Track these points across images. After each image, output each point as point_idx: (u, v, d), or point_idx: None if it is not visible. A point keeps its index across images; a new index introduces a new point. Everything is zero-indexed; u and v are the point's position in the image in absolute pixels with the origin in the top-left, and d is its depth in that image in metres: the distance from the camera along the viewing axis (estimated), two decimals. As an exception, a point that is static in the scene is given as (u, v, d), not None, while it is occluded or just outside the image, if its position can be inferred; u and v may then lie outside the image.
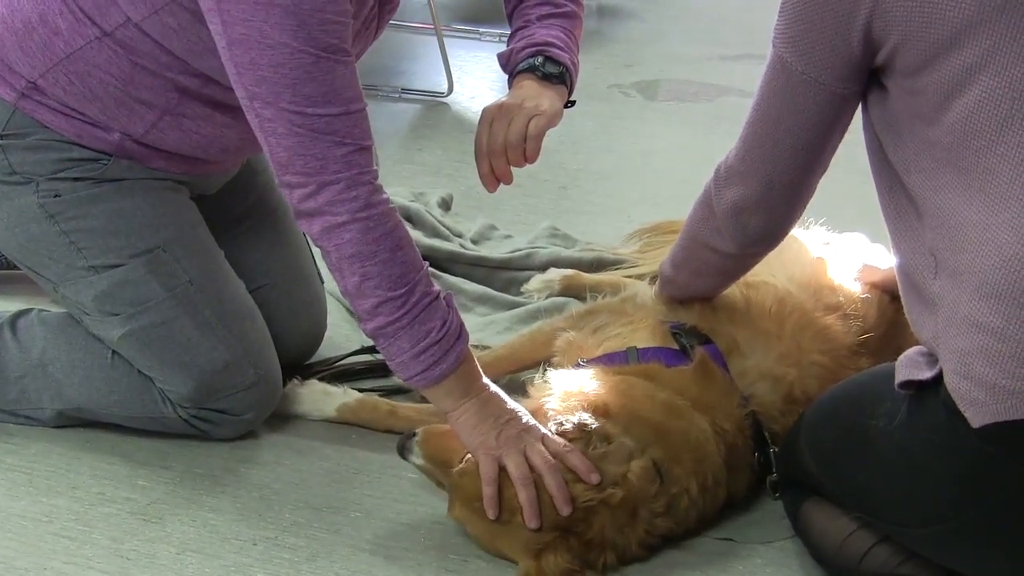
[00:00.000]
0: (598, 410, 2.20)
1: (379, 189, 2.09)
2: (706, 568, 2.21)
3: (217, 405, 2.39)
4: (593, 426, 2.15)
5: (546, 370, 2.39)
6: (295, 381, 2.59)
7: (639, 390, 2.25)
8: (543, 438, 2.13)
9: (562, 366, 2.40)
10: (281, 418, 2.52)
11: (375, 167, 2.09)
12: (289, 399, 2.55)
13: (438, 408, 2.20)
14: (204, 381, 2.36)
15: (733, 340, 2.36)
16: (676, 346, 2.36)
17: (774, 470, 2.30)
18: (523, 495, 2.07)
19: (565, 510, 2.07)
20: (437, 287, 2.14)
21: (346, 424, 2.55)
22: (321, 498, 2.32)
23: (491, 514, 2.08)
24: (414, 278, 2.09)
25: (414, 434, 2.22)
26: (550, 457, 2.09)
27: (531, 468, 2.09)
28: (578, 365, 2.36)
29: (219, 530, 2.22)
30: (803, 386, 2.32)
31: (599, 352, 2.39)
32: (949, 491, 1.84)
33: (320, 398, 2.58)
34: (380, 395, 2.61)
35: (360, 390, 2.61)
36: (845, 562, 2.10)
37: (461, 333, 2.15)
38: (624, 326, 2.46)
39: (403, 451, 2.22)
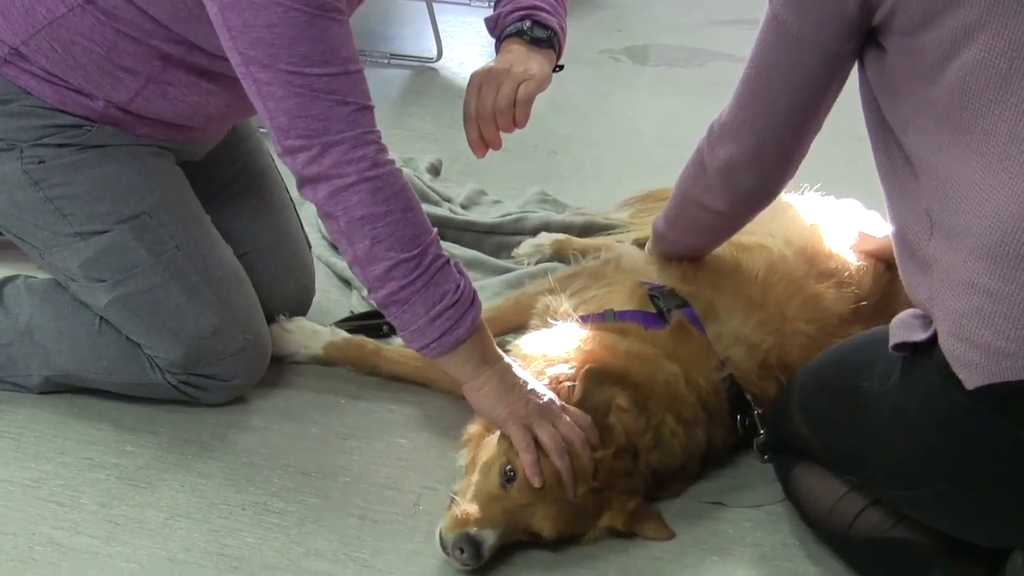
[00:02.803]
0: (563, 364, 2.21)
1: (384, 149, 2.05)
2: (695, 531, 2.20)
3: (206, 371, 2.37)
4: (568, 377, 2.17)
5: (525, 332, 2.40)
6: (282, 319, 2.59)
7: (605, 341, 2.26)
8: (563, 408, 2.12)
9: (539, 329, 2.41)
10: (270, 384, 2.51)
11: (378, 128, 2.05)
12: (276, 338, 2.53)
13: (455, 378, 2.17)
14: (192, 347, 2.34)
15: (711, 304, 2.36)
16: (653, 309, 2.36)
17: (760, 432, 2.30)
18: (563, 464, 2.06)
19: (591, 481, 2.08)
20: (446, 252, 2.10)
21: (332, 364, 2.57)
22: (310, 463, 2.31)
23: (536, 481, 2.05)
24: (426, 240, 2.06)
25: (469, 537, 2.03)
26: (578, 429, 2.09)
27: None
28: (551, 326, 2.37)
29: (208, 495, 2.21)
30: (781, 354, 2.32)
31: (576, 315, 2.38)
32: (942, 453, 1.82)
33: (308, 336, 2.58)
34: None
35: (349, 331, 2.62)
36: (836, 525, 2.09)
37: (475, 298, 2.12)
38: (601, 288, 2.46)
39: (472, 546, 2.05)
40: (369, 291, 2.09)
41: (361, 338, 2.60)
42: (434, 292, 2.04)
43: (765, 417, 2.31)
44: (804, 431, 2.15)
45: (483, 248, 3.11)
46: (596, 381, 2.17)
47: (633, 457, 2.15)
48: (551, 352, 2.26)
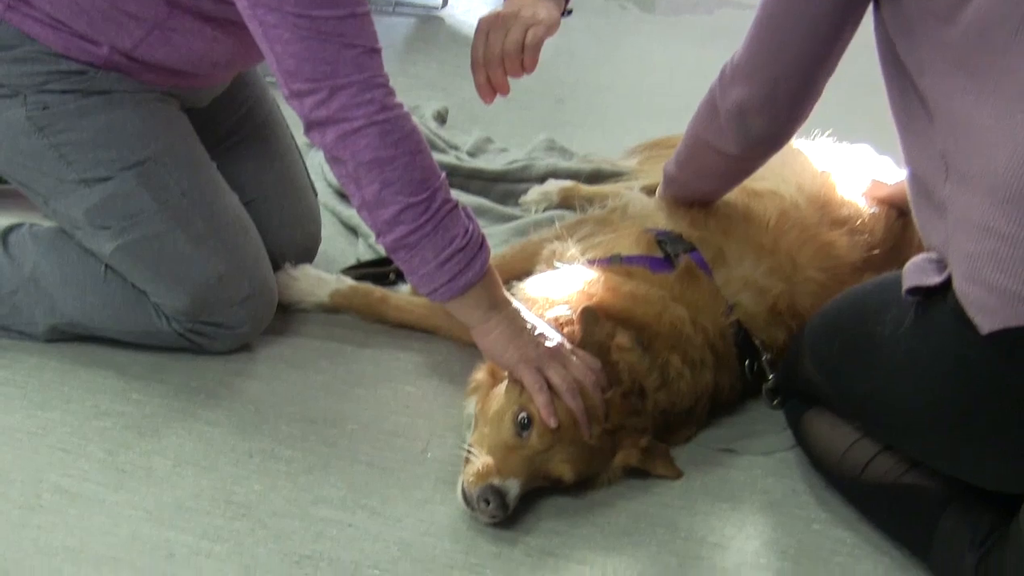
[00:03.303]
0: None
1: (393, 93, 2.02)
2: (705, 478, 2.20)
3: (212, 319, 2.36)
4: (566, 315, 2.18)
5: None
6: (287, 266, 2.57)
7: (609, 282, 2.25)
8: (573, 351, 2.11)
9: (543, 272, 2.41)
10: (276, 332, 2.49)
11: (386, 71, 2.03)
12: (282, 286, 2.52)
13: (465, 323, 2.15)
14: (198, 295, 2.32)
15: (720, 250, 2.35)
16: (661, 254, 2.35)
17: (768, 378, 2.30)
18: (576, 405, 2.05)
19: (603, 422, 2.08)
20: (455, 197, 2.08)
21: (338, 312, 2.56)
22: (317, 411, 2.30)
23: (552, 422, 2.04)
24: (435, 183, 2.04)
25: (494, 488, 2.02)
26: (588, 371, 2.08)
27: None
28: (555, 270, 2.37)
29: (215, 443, 2.20)
30: (791, 301, 2.32)
31: (583, 261, 2.38)
32: (954, 397, 1.81)
33: (314, 284, 2.57)
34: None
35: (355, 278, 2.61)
36: (847, 472, 2.09)
37: (483, 242, 2.10)
38: (608, 235, 2.45)
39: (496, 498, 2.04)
40: (377, 235, 2.07)
41: (367, 286, 2.59)
42: (443, 236, 2.03)
43: (774, 363, 2.30)
44: (815, 377, 2.14)
45: (490, 195, 3.09)
46: (593, 320, 2.16)
47: (640, 397, 2.14)
48: (553, 294, 2.26)
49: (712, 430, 2.31)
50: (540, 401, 2.04)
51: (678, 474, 2.18)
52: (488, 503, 1.99)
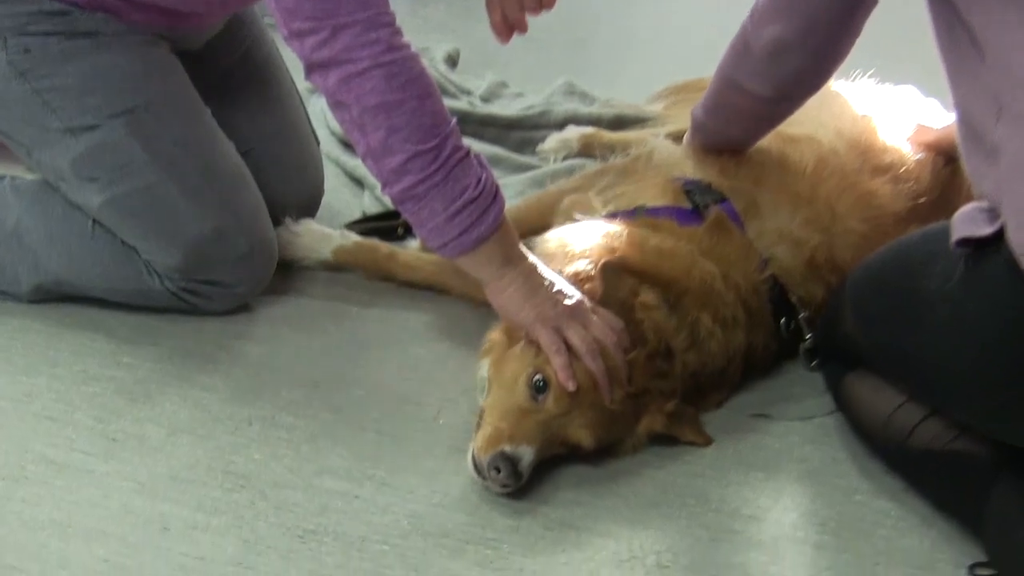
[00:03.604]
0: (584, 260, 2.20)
1: (400, 32, 2.00)
2: (738, 446, 2.19)
3: (207, 277, 2.36)
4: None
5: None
6: (288, 221, 2.57)
7: (633, 236, 2.24)
8: (594, 309, 2.10)
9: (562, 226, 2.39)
10: (277, 291, 2.49)
11: (392, 10, 2.01)
12: (282, 242, 2.51)
13: (478, 278, 2.14)
14: (192, 251, 2.32)
15: (753, 200, 2.34)
16: (689, 205, 2.33)
17: (806, 337, 2.30)
18: (596, 367, 2.04)
19: (627, 386, 2.07)
20: (466, 144, 2.06)
21: (342, 269, 2.56)
22: (321, 375, 2.30)
23: (570, 385, 2.02)
24: (445, 130, 2.01)
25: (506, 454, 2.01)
26: (610, 331, 2.07)
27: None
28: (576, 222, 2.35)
29: (211, 409, 2.20)
30: (829, 254, 2.31)
31: (603, 212, 2.36)
32: (1007, 356, 1.80)
33: (316, 240, 2.57)
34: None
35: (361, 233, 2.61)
36: (892, 438, 2.07)
37: (497, 192, 2.08)
38: (632, 185, 2.44)
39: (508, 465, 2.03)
40: (383, 186, 2.05)
41: (374, 241, 2.58)
42: (454, 186, 2.01)
43: (812, 321, 2.29)
44: (856, 335, 2.13)
45: (505, 144, 3.08)
46: (615, 275, 2.15)
47: (668, 358, 2.13)
48: (573, 249, 2.24)
49: (745, 394, 2.30)
50: (558, 363, 2.03)
51: (708, 441, 2.17)
52: (499, 471, 1.99)
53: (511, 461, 1.99)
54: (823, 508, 2.08)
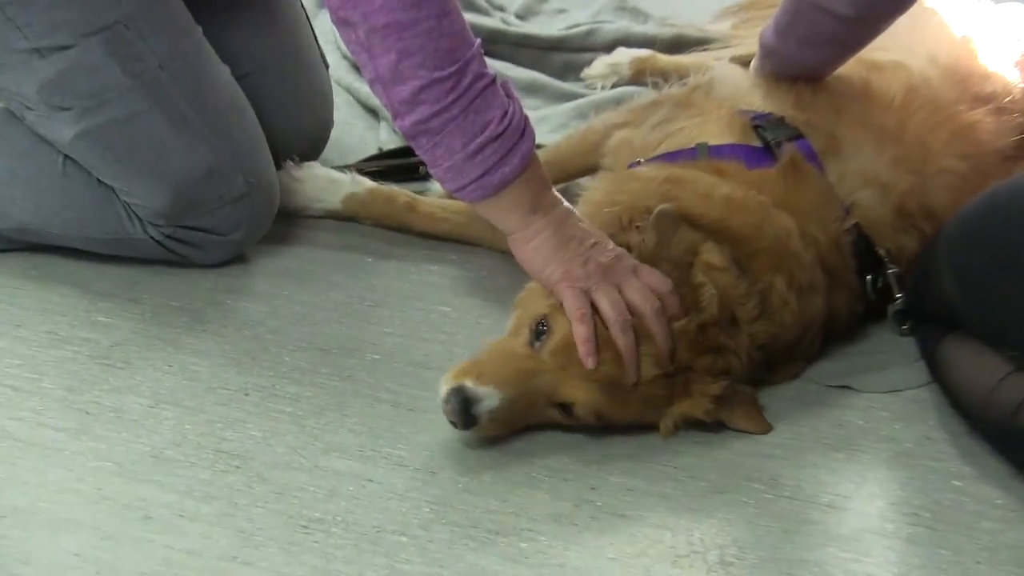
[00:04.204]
0: (639, 215, 2.15)
1: None
2: (816, 423, 2.16)
3: (198, 222, 2.36)
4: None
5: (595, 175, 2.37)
6: (289, 165, 2.57)
7: (698, 184, 2.21)
8: (635, 269, 2.05)
9: (613, 170, 2.37)
10: (278, 239, 2.50)
11: None
12: (283, 190, 2.52)
13: (501, 228, 2.11)
14: (181, 192, 2.32)
15: (833, 136, 2.32)
16: (758, 143, 2.32)
17: (896, 297, 2.28)
18: (625, 343, 2.00)
19: (665, 364, 2.03)
20: (492, 70, 2.02)
21: (353, 220, 2.56)
22: (330, 337, 2.30)
23: (590, 362, 1.99)
24: (466, 54, 1.96)
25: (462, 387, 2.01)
26: (652, 296, 2.02)
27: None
28: (632, 167, 2.32)
29: (202, 377, 2.20)
30: (923, 198, 2.30)
31: (659, 151, 2.34)
32: None
33: (323, 186, 2.58)
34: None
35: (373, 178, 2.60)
36: (996, 413, 2.04)
37: (526, 128, 2.03)
38: (691, 119, 2.42)
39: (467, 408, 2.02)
40: (394, 117, 2.02)
41: (390, 189, 2.58)
42: (475, 120, 1.97)
43: (903, 278, 2.28)
44: (954, 294, 2.10)
45: (545, 68, 3.10)
46: (672, 226, 2.10)
47: (730, 329, 2.10)
48: (621, 197, 2.21)
49: (824, 363, 2.28)
50: (579, 334, 2.00)
51: (765, 428, 2.13)
52: (449, 404, 2.00)
53: (466, 400, 1.98)
54: (915, 495, 2.04)
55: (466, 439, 2.08)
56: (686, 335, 2.05)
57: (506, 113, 1.99)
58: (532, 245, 2.06)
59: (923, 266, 2.22)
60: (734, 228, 2.16)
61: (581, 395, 2.03)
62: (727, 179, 2.24)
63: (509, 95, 2.03)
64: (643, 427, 2.09)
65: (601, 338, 2.00)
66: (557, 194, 2.10)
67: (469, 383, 1.99)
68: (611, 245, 2.07)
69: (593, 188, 2.32)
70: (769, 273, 2.15)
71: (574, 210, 2.11)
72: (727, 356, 2.10)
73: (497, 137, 1.98)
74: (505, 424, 2.04)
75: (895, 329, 2.30)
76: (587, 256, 2.04)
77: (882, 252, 2.27)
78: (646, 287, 2.03)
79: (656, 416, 2.09)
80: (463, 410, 1.98)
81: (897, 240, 2.28)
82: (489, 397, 1.99)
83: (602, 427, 2.08)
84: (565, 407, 2.04)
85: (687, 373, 2.07)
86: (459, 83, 1.95)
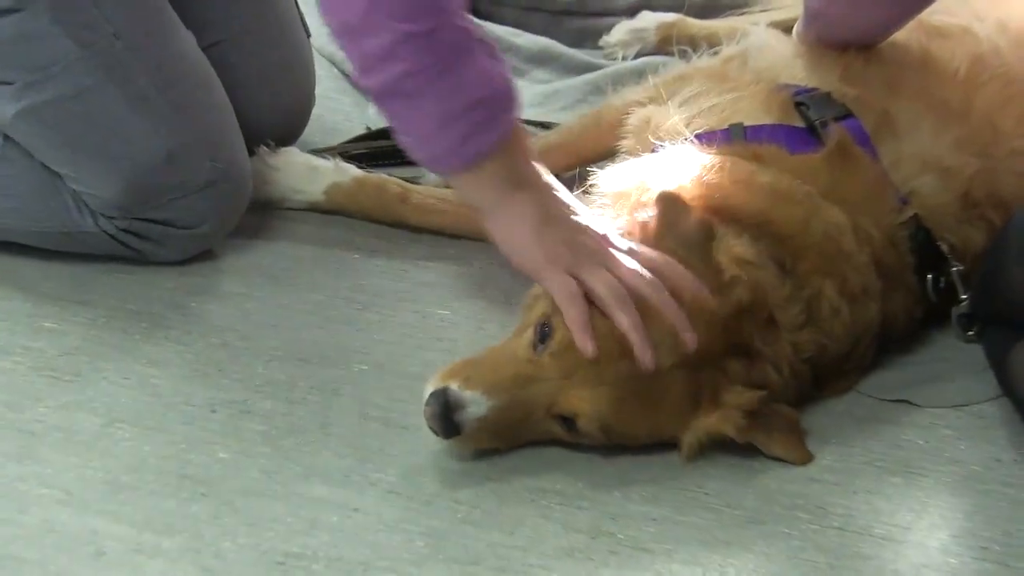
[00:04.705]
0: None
1: None
2: (868, 442, 2.16)
3: (157, 214, 2.36)
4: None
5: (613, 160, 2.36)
6: (263, 151, 2.58)
7: (737, 171, 2.18)
8: (630, 249, 2.05)
9: (634, 153, 2.37)
10: (250, 233, 2.52)
11: None
12: (259, 178, 2.53)
13: (476, 205, 2.12)
14: (138, 180, 2.33)
15: (887, 114, 2.32)
16: (800, 122, 2.32)
17: (961, 298, 2.27)
18: (625, 321, 1.98)
19: (688, 338, 2.00)
20: (475, 25, 2.02)
21: (338, 214, 2.57)
22: (310, 346, 2.30)
23: (589, 348, 1.98)
24: (446, 5, 1.96)
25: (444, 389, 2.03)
26: (646, 271, 2.01)
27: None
28: (655, 149, 2.31)
29: (162, 392, 2.20)
30: (991, 184, 2.30)
31: (688, 132, 2.32)
32: None
33: (303, 175, 2.59)
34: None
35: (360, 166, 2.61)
36: (1078, 433, 2.05)
37: (511, 93, 2.03)
38: (725, 94, 2.41)
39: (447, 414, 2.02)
40: (360, 74, 2.02)
41: (380, 177, 2.59)
42: (451, 83, 1.97)
43: (968, 276, 2.27)
44: (1028, 295, 2.11)
45: (558, 35, 3.12)
46: (681, 207, 2.10)
47: (765, 333, 2.08)
48: (647, 187, 2.19)
49: (878, 373, 2.28)
50: (571, 317, 1.99)
51: (806, 457, 2.11)
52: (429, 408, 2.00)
53: (448, 404, 1.98)
54: (983, 526, 2.03)
55: (467, 466, 2.07)
56: (708, 320, 2.02)
57: (489, 77, 2.00)
58: (511, 225, 2.07)
59: (992, 262, 2.22)
60: (777, 223, 2.15)
61: (585, 405, 2.01)
62: (767, 165, 2.24)
63: (494, 56, 2.03)
64: (666, 446, 2.08)
65: (603, 331, 1.99)
66: (541, 168, 2.12)
67: (455, 385, 1.99)
68: (600, 221, 2.09)
69: (605, 176, 2.31)
70: (818, 276, 2.14)
71: (560, 186, 2.12)
72: (763, 365, 2.08)
73: (478, 103, 1.98)
74: (495, 436, 2.03)
75: (959, 335, 2.29)
76: (571, 236, 2.04)
77: (944, 247, 2.26)
78: (638, 265, 2.03)
79: (676, 431, 2.07)
80: (444, 415, 1.98)
81: (961, 233, 2.28)
82: (476, 403, 1.99)
83: (613, 447, 2.07)
84: (567, 420, 2.03)
85: (715, 376, 2.05)
86: (434, 37, 1.95)
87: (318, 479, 2.04)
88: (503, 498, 2.02)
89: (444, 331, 2.34)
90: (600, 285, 1.99)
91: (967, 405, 2.22)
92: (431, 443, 2.09)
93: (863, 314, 2.18)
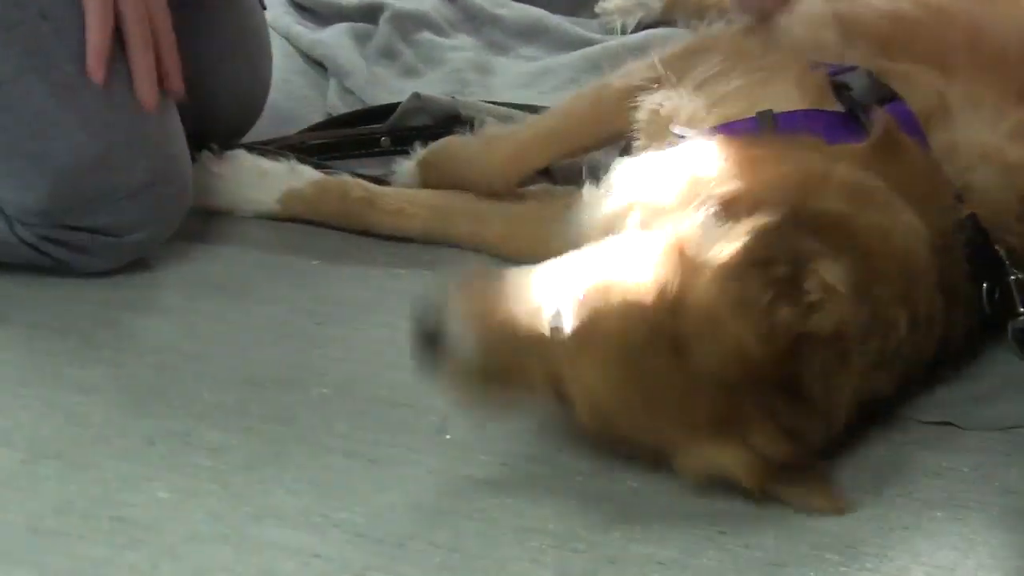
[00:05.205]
0: (730, 205, 2.07)
1: None
2: (905, 470, 2.14)
3: (86, 221, 2.37)
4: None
5: (621, 155, 2.35)
6: (205, 158, 2.61)
7: (800, 165, 2.15)
8: None
9: (647, 149, 2.35)
10: (192, 238, 2.54)
11: None
12: (201, 188, 2.55)
13: None
14: (63, 183, 2.33)
15: (939, 96, 2.32)
16: (838, 107, 2.30)
17: (1020, 311, 2.24)
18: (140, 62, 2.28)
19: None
20: None
21: (296, 221, 2.61)
22: (263, 366, 2.30)
23: (97, 73, 2.23)
24: None
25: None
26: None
27: None
28: (672, 144, 2.29)
29: (92, 421, 2.18)
30: None
31: (710, 123, 2.31)
32: None
33: (254, 182, 2.61)
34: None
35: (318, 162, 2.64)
36: None
37: None
38: (749, 75, 2.40)
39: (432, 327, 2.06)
40: None
41: (342, 180, 2.61)
42: None
43: None
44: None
45: (548, 3, 3.09)
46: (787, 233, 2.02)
47: (827, 372, 2.03)
48: (660, 194, 2.16)
49: (917, 392, 2.27)
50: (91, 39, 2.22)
51: (838, 508, 2.08)
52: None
53: (429, 322, 2.01)
54: (1039, 565, 2.06)
55: (449, 504, 2.07)
56: (772, 336, 1.96)
57: None
58: None
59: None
60: (861, 233, 2.10)
61: (588, 377, 2.00)
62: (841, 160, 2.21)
63: None
64: (674, 476, 2.06)
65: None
66: None
67: (456, 310, 2.00)
68: None
69: (637, 175, 2.27)
70: (896, 305, 2.10)
71: None
72: (811, 411, 2.04)
73: None
74: (479, 380, 2.03)
75: (1016, 351, 2.27)
76: None
77: (1002, 252, 2.24)
78: None
79: (674, 443, 2.05)
80: (424, 334, 2.00)
81: (1022, 235, 2.26)
82: (460, 333, 2.00)
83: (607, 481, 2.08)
84: (561, 392, 2.04)
85: (751, 405, 2.02)
86: None
87: (272, 520, 2.03)
88: (487, 540, 2.01)
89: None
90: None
91: (1018, 427, 2.22)
92: (405, 478, 2.10)
93: (925, 347, 2.17)
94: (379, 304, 2.44)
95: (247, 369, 2.29)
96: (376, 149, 2.62)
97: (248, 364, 2.30)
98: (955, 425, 2.22)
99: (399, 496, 2.07)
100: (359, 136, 2.63)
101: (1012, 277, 2.24)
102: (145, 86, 2.23)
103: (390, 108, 2.81)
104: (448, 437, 2.17)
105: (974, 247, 2.23)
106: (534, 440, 2.15)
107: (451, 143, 2.68)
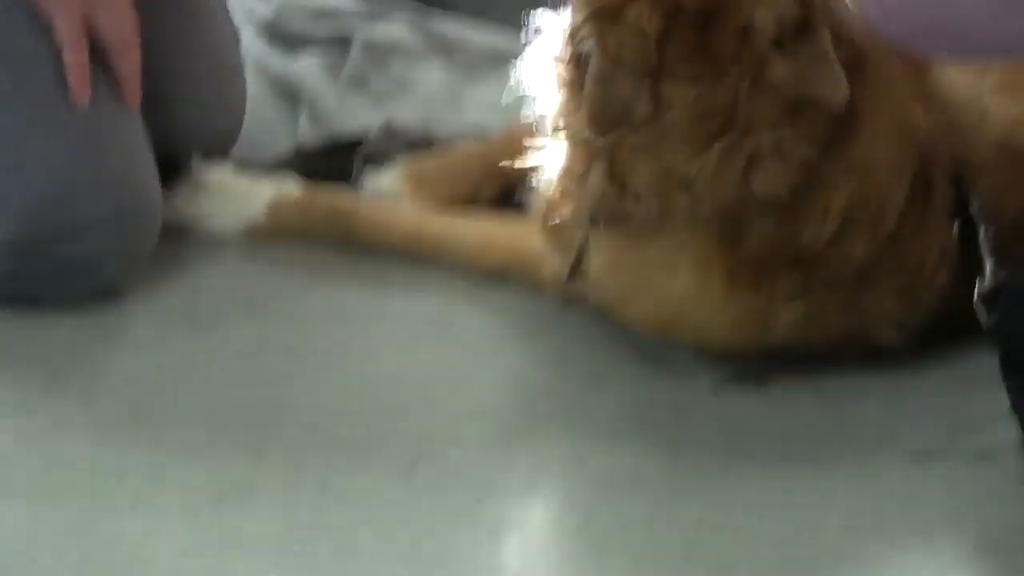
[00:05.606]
0: None
1: None
2: (876, 501, 2.13)
3: (54, 253, 2.36)
4: None
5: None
6: (194, 166, 2.61)
7: None
8: None
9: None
10: (164, 266, 2.52)
11: None
12: (179, 202, 2.56)
13: None
14: (29, 216, 2.32)
15: None
16: None
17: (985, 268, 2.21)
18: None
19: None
20: None
21: (278, 238, 2.60)
22: (234, 400, 2.29)
23: (83, 93, 2.28)
24: None
25: None
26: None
27: None
28: None
29: (59, 457, 2.16)
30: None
31: None
32: None
33: (240, 191, 2.61)
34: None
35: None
36: None
37: None
38: None
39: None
40: None
41: (328, 194, 2.61)
42: None
43: (1006, 248, 2.23)
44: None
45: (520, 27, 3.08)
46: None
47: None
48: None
49: (895, 421, 2.27)
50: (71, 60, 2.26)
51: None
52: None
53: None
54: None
55: (416, 538, 2.04)
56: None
57: None
58: None
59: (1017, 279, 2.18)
60: None
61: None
62: None
63: None
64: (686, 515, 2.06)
65: None
66: None
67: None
68: None
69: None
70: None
71: None
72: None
73: None
74: None
75: (982, 318, 2.18)
76: None
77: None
78: None
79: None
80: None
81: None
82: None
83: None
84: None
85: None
86: None
87: (241, 554, 2.01)
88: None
89: (398, 381, 2.34)
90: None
91: (993, 454, 2.18)
92: (376, 515, 2.08)
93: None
94: (354, 338, 2.43)
95: (218, 403, 2.28)
96: (346, 178, 2.63)
97: (218, 398, 2.29)
98: (925, 453, 2.19)
99: (374, 530, 2.06)
100: (328, 166, 2.64)
101: (982, 233, 2.22)
102: (131, 87, 2.26)
103: (359, 138, 2.84)
104: (419, 472, 2.16)
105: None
106: (507, 475, 2.15)
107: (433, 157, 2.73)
